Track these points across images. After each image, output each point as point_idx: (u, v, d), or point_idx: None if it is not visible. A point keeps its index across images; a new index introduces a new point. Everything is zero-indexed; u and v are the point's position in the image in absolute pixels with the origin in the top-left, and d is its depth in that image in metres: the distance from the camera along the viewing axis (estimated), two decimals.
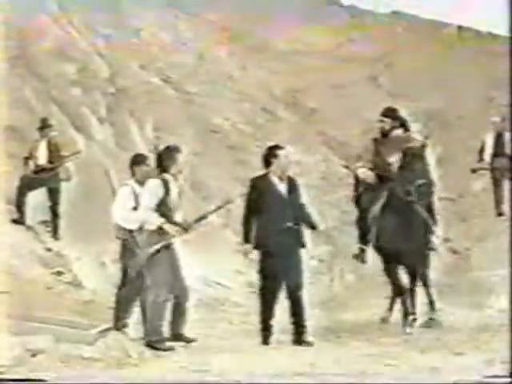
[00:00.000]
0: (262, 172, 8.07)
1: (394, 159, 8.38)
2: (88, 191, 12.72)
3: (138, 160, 8.32)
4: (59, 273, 11.10)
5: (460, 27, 20.56)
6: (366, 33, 20.34)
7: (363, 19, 21.20)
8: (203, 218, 7.85)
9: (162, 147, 8.11)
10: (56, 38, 17.84)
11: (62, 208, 11.95)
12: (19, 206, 11.84)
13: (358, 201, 8.83)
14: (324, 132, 16.79)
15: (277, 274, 7.83)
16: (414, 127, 16.62)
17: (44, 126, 12.07)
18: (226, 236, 12.44)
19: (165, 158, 7.74)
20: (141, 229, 7.80)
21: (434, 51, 18.57)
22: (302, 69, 18.48)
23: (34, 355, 6.75)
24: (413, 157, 8.18)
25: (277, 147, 8.04)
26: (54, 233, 11.87)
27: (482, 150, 13.07)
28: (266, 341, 7.91)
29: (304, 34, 19.64)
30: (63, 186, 11.99)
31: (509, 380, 5.72)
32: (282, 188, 7.93)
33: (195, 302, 8.51)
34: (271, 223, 7.83)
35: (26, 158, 11.97)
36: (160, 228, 7.58)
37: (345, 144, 16.37)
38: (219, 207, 8.25)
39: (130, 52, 18.26)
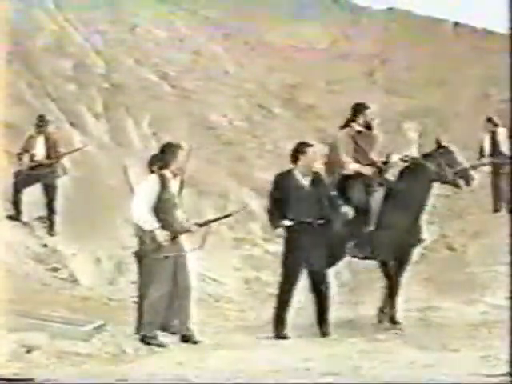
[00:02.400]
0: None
1: (375, 157, 8.45)
2: (84, 187, 12.71)
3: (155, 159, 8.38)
4: (55, 269, 11.09)
5: (456, 24, 20.59)
6: (362, 29, 20.36)
7: (359, 16, 21.21)
8: (207, 223, 7.79)
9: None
10: (52, 34, 17.84)
11: (58, 204, 11.94)
12: (15, 202, 11.83)
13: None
14: (320, 128, 16.77)
15: (299, 269, 7.93)
16: (410, 124, 16.66)
17: (41, 121, 12.06)
18: (221, 232, 12.41)
19: (165, 154, 7.73)
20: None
21: (430, 48, 18.59)
22: (298, 65, 18.49)
23: (29, 351, 6.74)
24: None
25: (305, 144, 8.13)
26: (50, 229, 11.85)
27: (482, 147, 13.09)
28: (279, 334, 7.91)
29: (300, 31, 19.65)
30: (59, 181, 11.99)
31: (509, 380, 5.71)
32: (306, 183, 8.02)
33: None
34: (296, 217, 7.91)
35: (20, 154, 11.95)
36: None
37: None
38: (227, 216, 8.28)
39: (126, 48, 18.26)
